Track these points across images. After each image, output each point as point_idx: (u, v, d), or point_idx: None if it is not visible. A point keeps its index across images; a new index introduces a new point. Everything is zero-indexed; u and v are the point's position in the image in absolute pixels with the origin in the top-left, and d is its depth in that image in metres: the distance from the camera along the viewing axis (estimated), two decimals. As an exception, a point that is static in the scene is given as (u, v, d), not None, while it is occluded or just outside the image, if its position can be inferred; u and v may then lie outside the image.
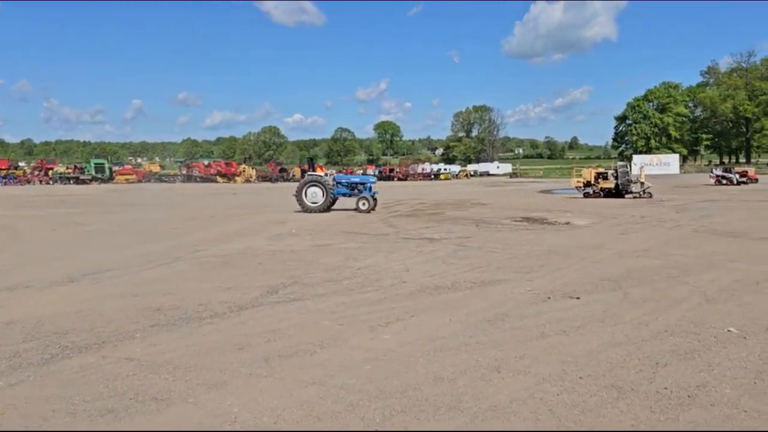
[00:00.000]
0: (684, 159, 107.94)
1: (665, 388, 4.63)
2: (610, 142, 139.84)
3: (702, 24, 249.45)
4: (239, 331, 6.42)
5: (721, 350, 5.59)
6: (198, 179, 75.61)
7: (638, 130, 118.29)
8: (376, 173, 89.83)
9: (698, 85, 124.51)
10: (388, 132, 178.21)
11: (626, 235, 14.97)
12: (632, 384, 4.74)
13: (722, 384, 4.72)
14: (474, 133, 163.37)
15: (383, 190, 51.23)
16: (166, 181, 75.41)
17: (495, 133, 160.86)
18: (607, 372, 5.03)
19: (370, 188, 24.23)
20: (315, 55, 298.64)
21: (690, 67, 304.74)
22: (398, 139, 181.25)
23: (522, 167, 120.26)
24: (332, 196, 23.27)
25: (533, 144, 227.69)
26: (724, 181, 49.02)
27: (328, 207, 23.11)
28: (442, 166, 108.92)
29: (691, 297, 7.88)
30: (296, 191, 23.40)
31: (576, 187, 35.82)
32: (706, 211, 22.13)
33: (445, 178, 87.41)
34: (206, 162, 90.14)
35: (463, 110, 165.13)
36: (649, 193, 32.01)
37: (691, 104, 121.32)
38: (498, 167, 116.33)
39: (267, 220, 20.75)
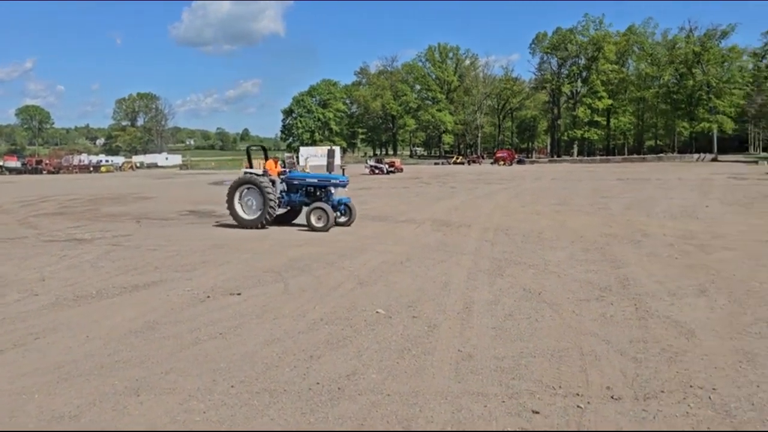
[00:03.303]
0: (344, 151, 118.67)
1: (317, 383, 4.51)
2: (279, 134, 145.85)
3: (357, 28, 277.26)
4: None
5: (370, 333, 5.79)
6: None
7: (303, 123, 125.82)
8: (19, 165, 78.44)
9: (353, 84, 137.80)
10: (35, 118, 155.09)
11: (291, 224, 15.30)
12: (285, 384, 4.50)
13: (369, 369, 4.81)
14: (140, 122, 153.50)
15: (29, 185, 44.32)
16: None
17: (163, 122, 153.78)
18: (261, 374, 4.71)
19: (332, 193, 15.34)
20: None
21: (347, 67, 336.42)
22: (49, 126, 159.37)
23: (193, 159, 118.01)
24: (273, 203, 14.55)
25: (205, 135, 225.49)
26: (377, 171, 55.27)
27: (268, 219, 14.58)
28: (103, 157, 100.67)
29: (346, 282, 8.19)
30: (227, 197, 15.37)
31: (246, 178, 36.14)
32: (363, 198, 24.26)
33: (107, 171, 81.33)
34: None
35: (127, 97, 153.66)
36: (314, 182, 34.02)
37: (348, 101, 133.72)
38: (167, 159, 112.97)
39: None
